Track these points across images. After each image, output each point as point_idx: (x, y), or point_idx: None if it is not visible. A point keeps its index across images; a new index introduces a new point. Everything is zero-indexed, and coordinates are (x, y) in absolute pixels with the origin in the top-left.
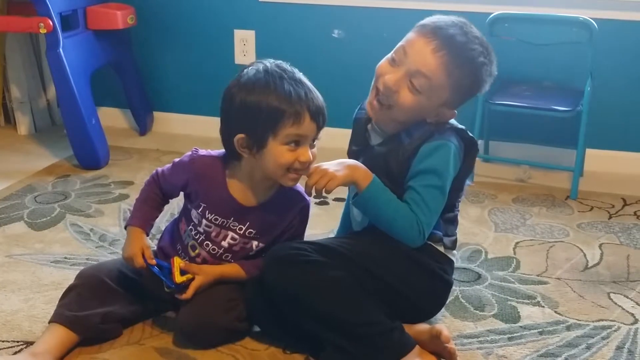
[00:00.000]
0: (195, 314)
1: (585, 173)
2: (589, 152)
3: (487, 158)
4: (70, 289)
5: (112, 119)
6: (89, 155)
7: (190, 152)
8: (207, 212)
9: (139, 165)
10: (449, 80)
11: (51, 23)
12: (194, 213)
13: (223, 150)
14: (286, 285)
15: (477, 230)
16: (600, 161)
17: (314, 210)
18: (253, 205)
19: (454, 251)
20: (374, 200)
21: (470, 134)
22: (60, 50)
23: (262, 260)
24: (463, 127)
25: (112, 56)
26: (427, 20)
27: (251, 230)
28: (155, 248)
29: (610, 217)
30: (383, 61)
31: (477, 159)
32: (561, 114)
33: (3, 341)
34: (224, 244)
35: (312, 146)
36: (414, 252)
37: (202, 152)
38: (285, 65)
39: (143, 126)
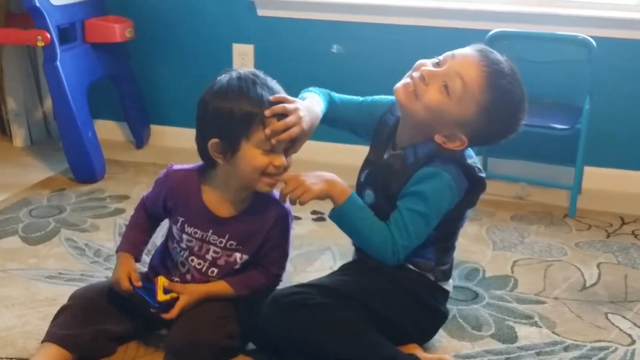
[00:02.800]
0: (186, 332)
1: (584, 191)
2: (588, 169)
3: (486, 175)
4: (63, 309)
5: (109, 131)
6: (85, 168)
7: (166, 168)
8: (185, 225)
9: (135, 180)
10: (481, 96)
11: (49, 36)
12: (174, 229)
13: (198, 164)
14: (292, 332)
15: (475, 249)
16: (599, 179)
17: (310, 226)
18: (230, 216)
19: (449, 281)
20: (348, 217)
21: (481, 174)
22: (58, 63)
23: (250, 277)
24: (476, 165)
25: (110, 69)
26: (474, 44)
27: (232, 242)
28: (147, 268)
29: (608, 236)
30: (428, 61)
31: None
32: (560, 131)
33: None
34: (208, 257)
35: (286, 152)
36: (410, 285)
37: (177, 166)
38: (259, 73)
39: (140, 139)
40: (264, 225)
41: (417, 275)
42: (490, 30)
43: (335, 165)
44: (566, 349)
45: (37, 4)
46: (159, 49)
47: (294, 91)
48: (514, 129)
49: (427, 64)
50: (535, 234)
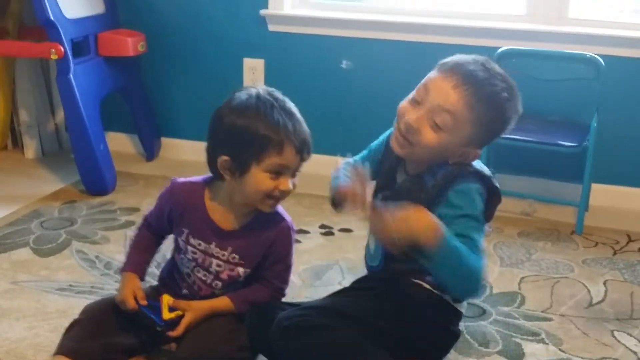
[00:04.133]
0: (196, 346)
1: (591, 208)
2: (595, 187)
3: None
4: (74, 323)
5: (120, 144)
6: (96, 180)
7: (170, 183)
8: (190, 237)
9: (145, 192)
10: (471, 114)
11: (62, 49)
12: (179, 242)
13: (202, 176)
14: (295, 354)
15: None
16: (606, 196)
17: (318, 240)
18: (233, 229)
19: (464, 302)
20: (444, 263)
21: (495, 183)
22: (71, 76)
23: (252, 292)
24: (489, 173)
25: (122, 82)
26: (449, 58)
27: (234, 255)
28: (157, 281)
29: (614, 254)
30: (404, 101)
31: None
32: (567, 149)
33: None
34: (212, 269)
35: (294, 176)
36: (424, 308)
37: (181, 179)
38: (277, 94)
39: (150, 152)
40: (266, 240)
41: (433, 295)
42: (499, 48)
43: (317, 175)
44: None
45: (52, 18)
46: (171, 62)
47: (304, 106)
48: (516, 115)
49: (407, 109)
50: (543, 251)
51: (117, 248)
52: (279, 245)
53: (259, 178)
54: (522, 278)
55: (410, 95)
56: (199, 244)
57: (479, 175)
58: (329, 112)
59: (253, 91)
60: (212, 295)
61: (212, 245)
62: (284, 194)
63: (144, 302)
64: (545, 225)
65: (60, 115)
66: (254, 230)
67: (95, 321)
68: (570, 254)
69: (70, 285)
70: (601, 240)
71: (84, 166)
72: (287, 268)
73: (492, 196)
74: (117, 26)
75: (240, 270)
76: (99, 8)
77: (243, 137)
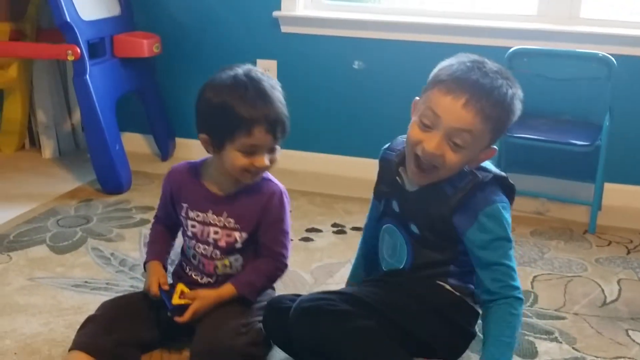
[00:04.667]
0: (209, 339)
1: (604, 207)
2: (608, 186)
3: None
4: (90, 319)
5: (135, 144)
6: (112, 180)
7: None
8: (189, 211)
9: (160, 191)
10: (488, 125)
11: (79, 51)
12: (182, 220)
13: (202, 158)
14: (313, 336)
15: None
16: (619, 195)
17: (331, 239)
18: (227, 195)
19: None
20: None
21: (510, 181)
22: (87, 77)
23: (253, 269)
24: (503, 173)
25: (137, 83)
26: (442, 72)
27: (230, 219)
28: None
29: (628, 253)
30: (413, 128)
31: None
32: (580, 148)
33: None
34: (210, 239)
35: (272, 152)
36: (443, 307)
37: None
38: (256, 74)
39: (165, 152)
40: (258, 203)
41: (454, 297)
42: (511, 48)
43: (329, 175)
44: None
45: (68, 20)
46: (185, 63)
47: (316, 106)
48: (520, 97)
49: (421, 136)
50: (555, 250)
51: (132, 245)
52: (271, 209)
53: (233, 155)
54: (535, 277)
55: (416, 120)
56: (197, 215)
57: (499, 180)
58: (341, 113)
59: (232, 72)
60: (215, 269)
61: (209, 213)
62: (260, 170)
63: (165, 287)
64: (558, 225)
65: (76, 115)
66: (246, 194)
67: (110, 317)
68: (584, 252)
69: (86, 282)
70: (615, 240)
71: (99, 165)
72: (284, 233)
73: (510, 194)
74: (133, 28)
75: (237, 234)
76: (114, 10)
77: (216, 117)
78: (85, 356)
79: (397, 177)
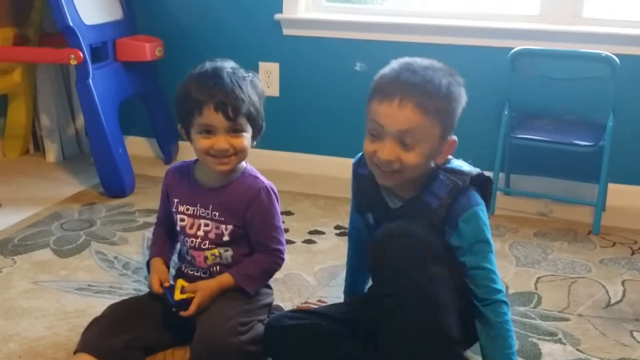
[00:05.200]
0: (209, 339)
1: (608, 208)
2: (612, 186)
3: (509, 191)
4: (95, 321)
5: (139, 147)
6: (115, 183)
7: None
8: (179, 205)
9: None
10: (430, 118)
11: (81, 55)
12: (174, 217)
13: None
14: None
15: (498, 265)
16: (623, 196)
17: (333, 241)
18: (214, 187)
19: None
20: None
21: (485, 174)
22: (90, 81)
23: (251, 262)
24: (477, 169)
25: (140, 87)
26: (375, 83)
27: (215, 212)
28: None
29: (633, 253)
30: (365, 142)
31: (498, 192)
32: (583, 148)
33: None
34: (200, 232)
35: (235, 134)
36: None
37: None
38: (220, 64)
39: (168, 155)
40: (243, 199)
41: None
42: (513, 48)
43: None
44: None
45: (71, 24)
46: (188, 67)
47: (319, 108)
48: (462, 85)
49: (373, 147)
50: (559, 251)
51: (135, 249)
52: (257, 205)
53: (196, 140)
54: (539, 278)
55: (367, 133)
56: (187, 209)
57: (474, 180)
58: (344, 115)
59: (205, 64)
60: (205, 260)
61: (198, 207)
62: (222, 152)
63: (167, 284)
64: (561, 225)
65: (80, 120)
66: (232, 189)
67: (116, 318)
68: (587, 253)
69: (90, 285)
70: (619, 240)
71: (103, 169)
72: (276, 228)
73: (486, 189)
74: (135, 32)
75: (223, 227)
76: (117, 14)
77: (181, 105)
78: (91, 358)
79: (378, 195)
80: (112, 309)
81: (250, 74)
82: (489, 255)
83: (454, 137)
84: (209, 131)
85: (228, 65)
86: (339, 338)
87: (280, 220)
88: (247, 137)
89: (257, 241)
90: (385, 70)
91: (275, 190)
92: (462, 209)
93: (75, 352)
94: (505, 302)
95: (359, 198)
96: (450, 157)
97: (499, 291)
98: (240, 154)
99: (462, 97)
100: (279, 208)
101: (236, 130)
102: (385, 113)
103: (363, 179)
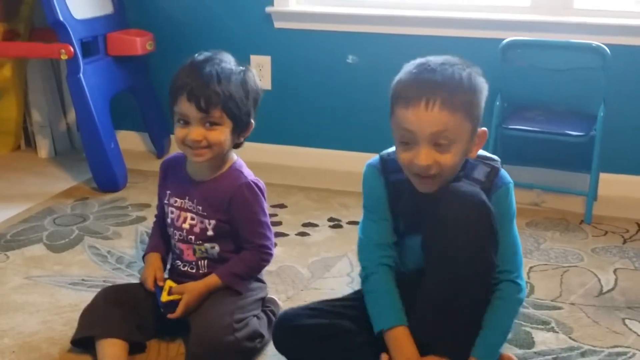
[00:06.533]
0: (205, 337)
1: (599, 197)
2: (603, 176)
3: None
4: (94, 306)
5: (131, 142)
6: (108, 178)
7: None
8: (170, 197)
9: (156, 188)
10: (459, 115)
11: (72, 49)
12: (165, 208)
13: None
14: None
15: None
16: (614, 185)
17: (327, 233)
18: (202, 180)
19: None
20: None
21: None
22: (81, 75)
23: (239, 259)
24: (493, 156)
25: (131, 81)
26: (394, 90)
27: (199, 206)
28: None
29: (624, 242)
30: (399, 152)
31: None
32: (575, 138)
33: None
34: (185, 225)
35: (211, 126)
36: None
37: None
38: (209, 55)
39: (160, 149)
40: (226, 192)
41: None
42: (504, 39)
43: (325, 170)
44: (583, 354)
45: (61, 19)
46: (179, 61)
47: (310, 101)
48: (479, 72)
49: (408, 156)
50: (551, 240)
51: (128, 243)
52: (240, 201)
53: (175, 128)
54: (531, 267)
55: (398, 143)
56: (175, 201)
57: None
58: (336, 107)
59: (200, 53)
60: (194, 253)
61: (186, 199)
62: (195, 143)
63: (161, 283)
64: (553, 215)
65: (71, 115)
66: (216, 184)
67: (116, 299)
68: (580, 243)
69: (83, 280)
70: (611, 229)
71: (95, 164)
72: (261, 224)
73: None
74: (126, 26)
75: (207, 222)
76: (107, 9)
77: (170, 90)
78: (118, 341)
79: (419, 198)
80: (109, 292)
81: (243, 68)
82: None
83: (484, 129)
84: (185, 121)
85: (221, 57)
86: (359, 338)
87: (267, 215)
88: (223, 131)
89: (243, 238)
90: (401, 75)
91: (261, 185)
92: (497, 187)
93: (98, 340)
94: (514, 283)
95: (394, 206)
96: None
97: (509, 272)
98: (215, 147)
99: (484, 87)
100: (265, 203)
101: (211, 123)
102: (413, 118)
103: (398, 185)
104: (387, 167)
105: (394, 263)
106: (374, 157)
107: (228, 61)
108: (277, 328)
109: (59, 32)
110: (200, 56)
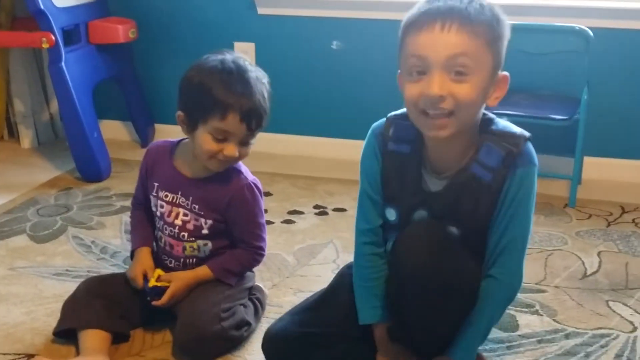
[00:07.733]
0: (192, 326)
1: (584, 181)
2: (587, 160)
3: None
4: (77, 297)
5: (114, 131)
6: (91, 168)
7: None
8: (159, 190)
9: None
10: (479, 40)
11: (53, 38)
12: (152, 200)
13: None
14: None
15: None
16: (598, 169)
17: (313, 220)
18: (196, 178)
19: None
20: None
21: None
22: (63, 64)
23: (231, 255)
24: (526, 133)
25: (114, 70)
26: (407, 20)
27: (195, 205)
28: None
29: (608, 225)
30: (406, 87)
31: None
32: (558, 122)
33: (5, 354)
34: (177, 222)
35: (244, 144)
36: None
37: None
38: (243, 62)
39: (144, 138)
40: (224, 195)
41: None
42: None
43: (310, 157)
44: (567, 336)
45: (41, 7)
46: (162, 48)
47: (295, 87)
48: (505, 17)
49: (418, 88)
50: (536, 224)
51: (112, 233)
52: (240, 203)
53: (204, 138)
54: None
55: (408, 76)
56: (166, 196)
57: (527, 140)
58: (320, 94)
59: (220, 56)
60: (183, 250)
61: (179, 195)
62: (229, 159)
63: (152, 283)
64: (538, 199)
65: (54, 105)
66: (214, 183)
67: (99, 291)
68: (564, 226)
69: (67, 270)
70: (595, 213)
71: (78, 154)
72: (258, 225)
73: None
74: (107, 14)
75: (203, 221)
76: None
77: (194, 95)
78: (100, 332)
79: (419, 174)
80: (93, 281)
81: (266, 76)
82: (526, 240)
83: (506, 73)
84: (223, 137)
85: (247, 63)
86: (351, 346)
87: (263, 216)
88: (251, 145)
89: (239, 237)
90: (412, 9)
91: (259, 186)
92: (514, 168)
93: (80, 330)
94: (498, 280)
95: (387, 183)
96: (492, 116)
97: (499, 268)
98: (240, 160)
99: (508, 27)
100: (262, 204)
101: (249, 141)
102: (426, 42)
103: (395, 157)
104: (387, 133)
105: (380, 247)
106: (380, 120)
107: (256, 69)
108: (269, 339)
109: (40, 20)
110: (231, 61)
